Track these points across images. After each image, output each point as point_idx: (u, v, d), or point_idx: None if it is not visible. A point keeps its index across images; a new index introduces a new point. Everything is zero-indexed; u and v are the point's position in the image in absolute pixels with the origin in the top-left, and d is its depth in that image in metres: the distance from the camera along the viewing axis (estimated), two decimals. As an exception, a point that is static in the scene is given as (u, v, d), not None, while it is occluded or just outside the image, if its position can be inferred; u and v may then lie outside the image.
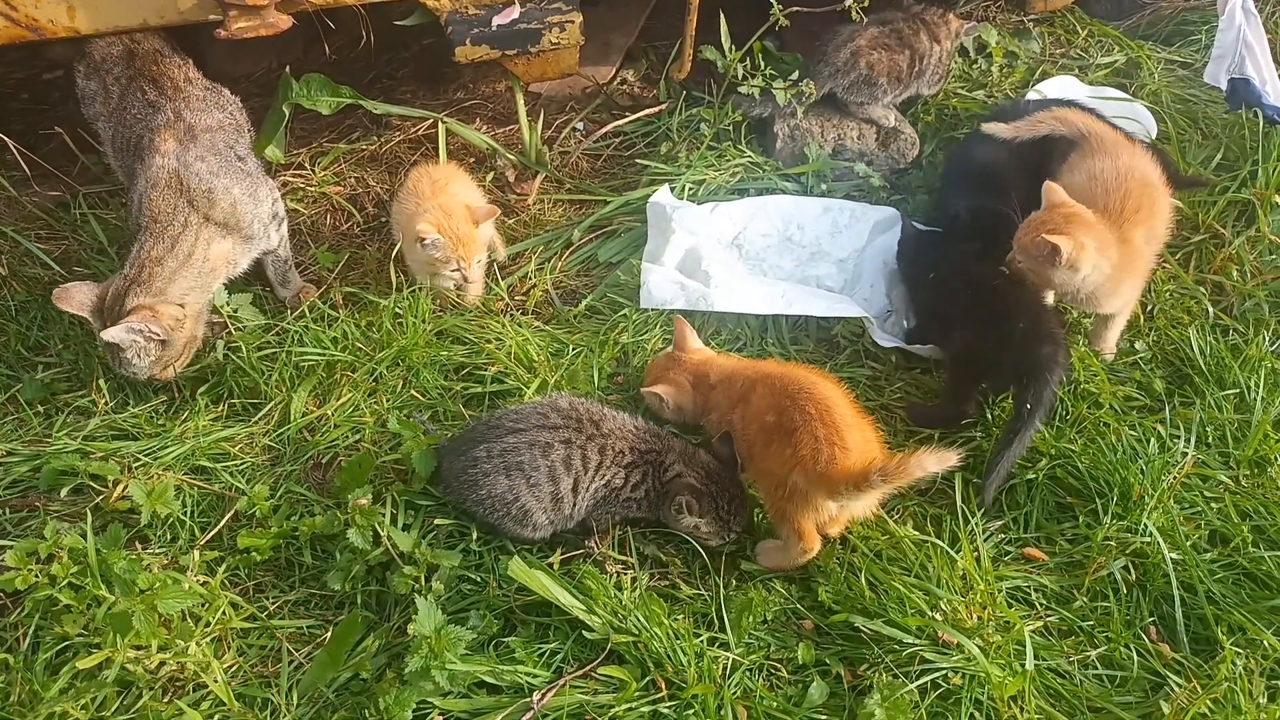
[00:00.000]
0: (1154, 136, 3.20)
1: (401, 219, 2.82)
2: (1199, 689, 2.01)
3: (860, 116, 3.32)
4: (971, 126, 3.32)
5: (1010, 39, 3.63)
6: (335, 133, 3.47)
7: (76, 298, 2.49)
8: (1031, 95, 3.33)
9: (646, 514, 2.26)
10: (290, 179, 3.27)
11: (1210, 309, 2.76)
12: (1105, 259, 2.45)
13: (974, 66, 3.57)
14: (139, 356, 2.47)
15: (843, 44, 3.29)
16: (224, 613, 2.14)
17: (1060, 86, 3.38)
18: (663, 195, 3.08)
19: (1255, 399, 2.52)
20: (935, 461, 1.93)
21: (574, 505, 2.21)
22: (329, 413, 2.56)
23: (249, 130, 2.91)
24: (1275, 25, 3.57)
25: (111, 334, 2.40)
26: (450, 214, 2.69)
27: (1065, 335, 2.53)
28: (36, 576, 2.08)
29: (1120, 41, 3.65)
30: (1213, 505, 2.34)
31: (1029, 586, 2.21)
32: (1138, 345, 2.71)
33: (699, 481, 2.19)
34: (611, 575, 2.19)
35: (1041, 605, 2.19)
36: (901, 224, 2.90)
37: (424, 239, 2.64)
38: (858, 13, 3.17)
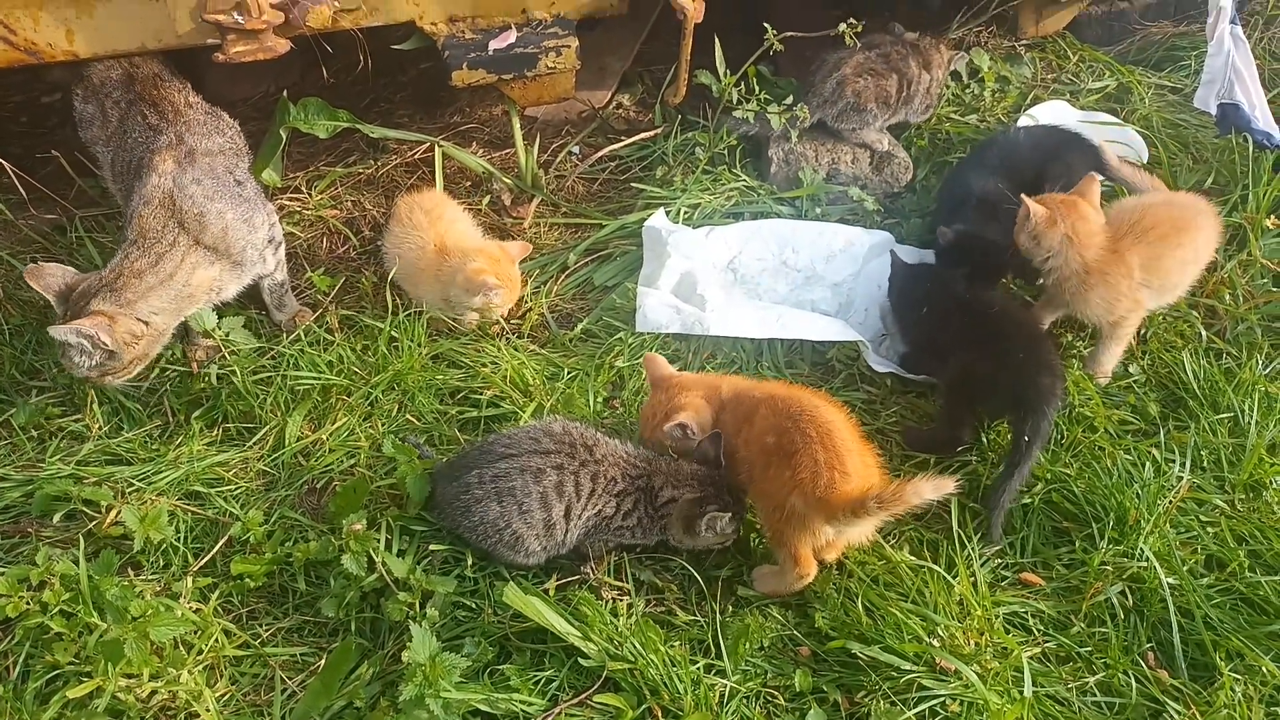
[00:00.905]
0: (1145, 161, 3.23)
1: (402, 250, 2.86)
2: (1198, 716, 2.00)
3: (854, 141, 3.34)
4: (965, 150, 3.35)
5: (1002, 64, 3.66)
6: (332, 156, 3.48)
7: (47, 278, 2.47)
8: (1024, 120, 3.36)
9: (640, 540, 2.25)
10: (287, 202, 3.27)
11: (1203, 333, 2.77)
12: (1076, 250, 2.56)
13: (966, 91, 3.59)
14: (83, 357, 2.44)
15: (829, 73, 3.30)
16: (217, 640, 2.13)
17: (1052, 111, 3.40)
18: (658, 219, 3.09)
19: (1249, 423, 2.53)
20: (932, 489, 1.93)
21: (567, 531, 2.20)
22: (324, 437, 2.56)
23: (248, 154, 2.92)
24: (1263, 52, 3.61)
25: (57, 331, 2.38)
26: (498, 259, 2.76)
27: (1062, 364, 2.53)
28: (28, 604, 2.07)
29: (1111, 67, 3.68)
30: (1209, 530, 2.34)
31: (1026, 612, 2.21)
32: (1132, 369, 2.71)
33: (699, 491, 2.18)
34: (607, 601, 2.18)
35: (1039, 631, 2.18)
36: (891, 259, 2.87)
37: (492, 289, 2.69)
38: (850, 38, 3.19)
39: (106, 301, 2.44)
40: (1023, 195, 2.61)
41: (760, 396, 2.28)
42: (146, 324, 2.50)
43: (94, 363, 2.45)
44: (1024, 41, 3.78)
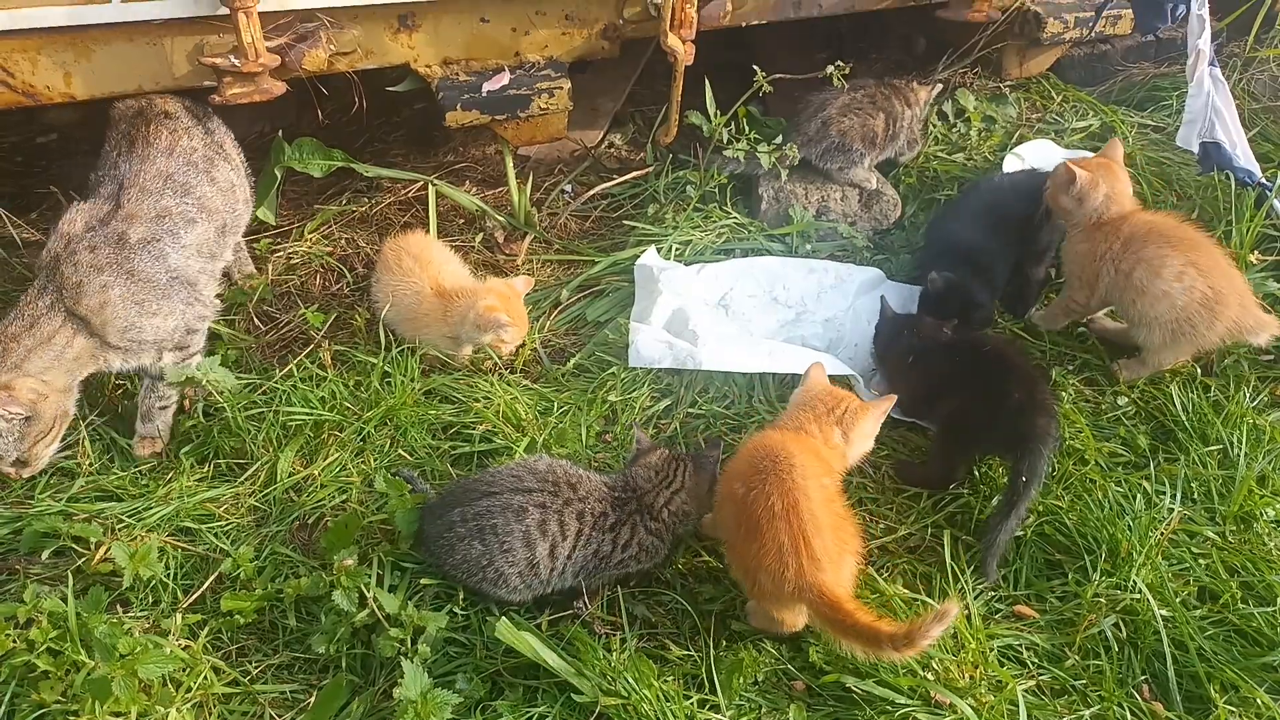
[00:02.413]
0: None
1: (397, 296, 2.89)
2: (1194, 749, 2.00)
3: (841, 180, 3.39)
4: (952, 188, 3.40)
5: (988, 104, 3.73)
6: (327, 195, 3.51)
7: None
8: (1009, 158, 3.41)
9: (648, 563, 2.24)
10: (280, 240, 3.30)
11: (1194, 368, 2.80)
12: (1113, 207, 2.76)
13: (953, 130, 3.65)
14: (5, 439, 2.32)
15: (813, 114, 3.37)
16: (206, 677, 2.10)
17: (1037, 149, 3.46)
18: (650, 257, 3.12)
19: (1238, 455, 2.54)
20: (939, 626, 1.87)
21: (552, 570, 2.17)
22: (316, 473, 2.55)
23: (225, 219, 2.70)
24: (1242, 92, 3.69)
25: None
26: (508, 297, 2.80)
27: (1057, 404, 2.55)
28: (14, 642, 2.04)
29: (1094, 106, 3.76)
30: (1201, 561, 2.34)
31: (1020, 645, 2.20)
32: (1121, 401, 2.73)
33: (676, 465, 2.26)
34: (600, 636, 2.17)
35: (1033, 664, 2.17)
36: (881, 308, 2.84)
37: (504, 326, 2.74)
38: (839, 79, 3.25)
39: None
40: (1066, 161, 2.81)
41: (751, 440, 2.22)
42: (45, 381, 2.37)
43: (17, 435, 2.33)
44: (1009, 82, 3.86)
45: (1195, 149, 3.20)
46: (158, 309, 2.49)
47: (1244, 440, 2.57)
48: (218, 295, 2.79)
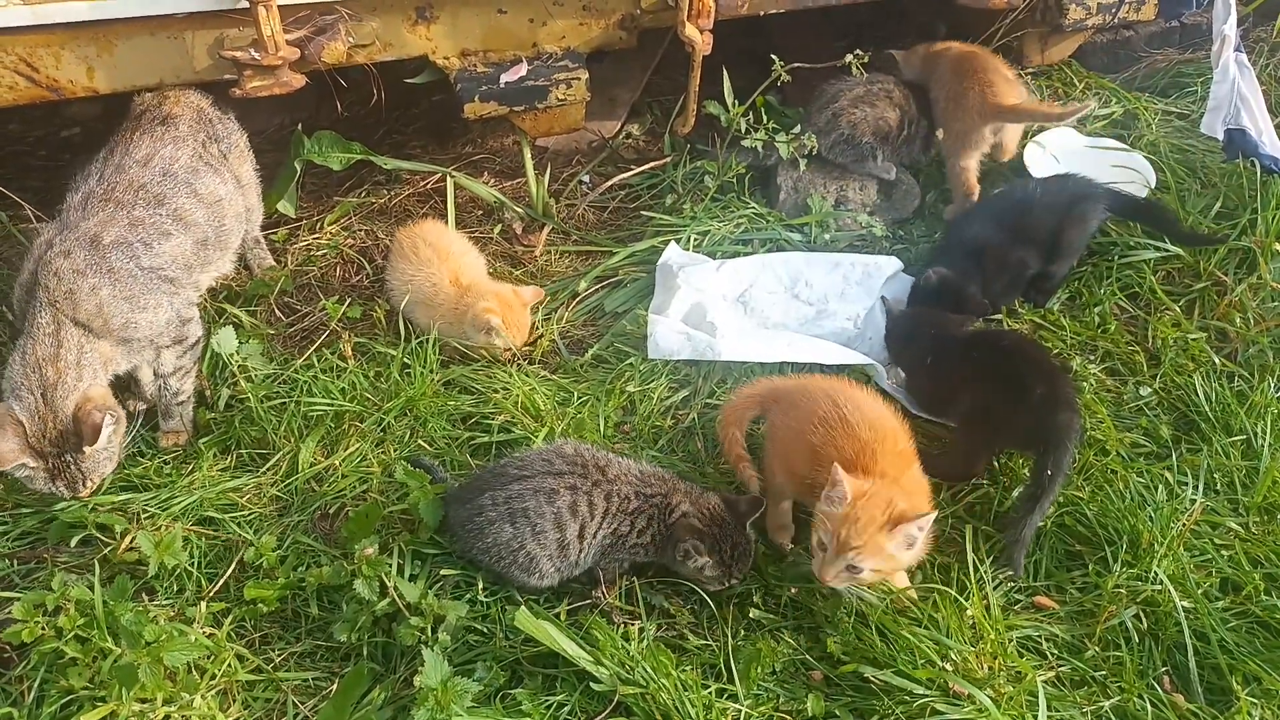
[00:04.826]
0: (1153, 186, 3.24)
1: (415, 285, 2.90)
2: (1215, 741, 1.99)
3: (859, 171, 3.36)
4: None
5: (1009, 92, 3.68)
6: (346, 187, 3.53)
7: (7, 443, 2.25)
8: (1031, 146, 3.38)
9: (654, 558, 2.25)
10: (301, 232, 3.32)
11: (1215, 356, 2.77)
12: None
13: (973, 119, 3.61)
14: (114, 442, 2.38)
15: (825, 105, 3.33)
16: (230, 665, 2.13)
17: (1059, 138, 3.42)
18: (671, 254, 3.09)
19: (1262, 445, 2.52)
20: None
21: (580, 552, 2.20)
22: (337, 463, 2.57)
23: (206, 233, 2.66)
24: (1269, 78, 3.63)
25: (101, 440, 2.29)
26: (510, 305, 2.82)
27: (1079, 398, 2.52)
28: (43, 629, 2.08)
29: (1117, 93, 3.71)
30: (1223, 553, 2.32)
31: (1040, 636, 2.19)
32: (1143, 391, 2.71)
33: (702, 523, 2.18)
34: (619, 626, 2.18)
35: (1053, 655, 2.16)
36: (885, 309, 2.80)
37: (494, 331, 2.78)
38: (858, 69, 3.23)
39: (67, 396, 2.30)
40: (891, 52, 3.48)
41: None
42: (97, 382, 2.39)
43: (118, 441, 2.39)
44: (1030, 69, 3.81)
45: (1220, 136, 3.16)
46: (146, 303, 2.46)
47: (1269, 431, 2.55)
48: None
